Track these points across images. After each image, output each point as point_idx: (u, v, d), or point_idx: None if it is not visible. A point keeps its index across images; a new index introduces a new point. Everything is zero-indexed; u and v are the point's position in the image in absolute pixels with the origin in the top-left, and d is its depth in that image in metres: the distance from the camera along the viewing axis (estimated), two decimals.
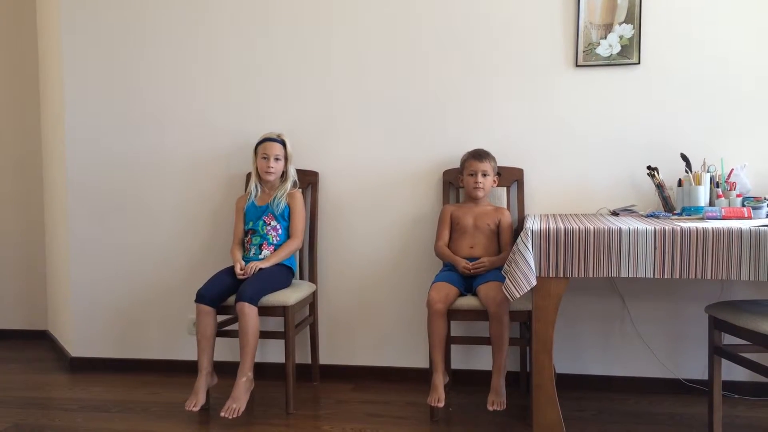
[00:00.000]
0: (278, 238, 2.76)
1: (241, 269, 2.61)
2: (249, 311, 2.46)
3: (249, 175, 2.94)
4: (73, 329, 3.24)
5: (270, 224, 2.76)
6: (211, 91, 3.05)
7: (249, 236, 2.80)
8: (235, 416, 2.39)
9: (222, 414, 2.38)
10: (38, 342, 3.79)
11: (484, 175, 2.66)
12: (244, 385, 2.45)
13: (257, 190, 2.83)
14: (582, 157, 2.80)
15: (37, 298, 3.89)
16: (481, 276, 2.52)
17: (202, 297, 2.53)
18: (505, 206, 2.79)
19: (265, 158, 2.77)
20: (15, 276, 3.90)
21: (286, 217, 2.79)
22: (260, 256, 2.72)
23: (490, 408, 2.38)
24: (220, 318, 2.61)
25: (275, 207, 2.76)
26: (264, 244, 2.74)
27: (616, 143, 2.78)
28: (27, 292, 3.90)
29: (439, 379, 2.43)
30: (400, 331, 2.97)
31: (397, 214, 2.94)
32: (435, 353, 2.44)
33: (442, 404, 2.39)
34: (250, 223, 2.79)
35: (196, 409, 2.45)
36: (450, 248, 2.72)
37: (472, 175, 2.68)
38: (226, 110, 3.05)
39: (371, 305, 2.99)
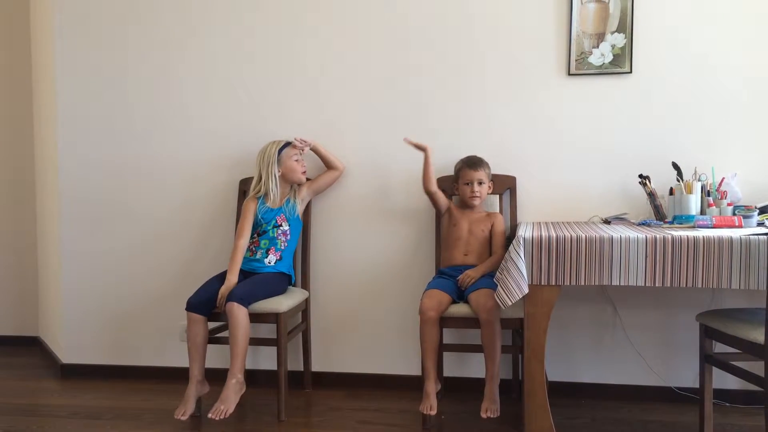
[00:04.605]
0: (286, 244, 2.75)
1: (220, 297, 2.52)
2: (238, 311, 2.44)
3: (242, 182, 2.95)
4: (64, 336, 3.22)
5: (281, 227, 2.74)
6: (203, 97, 3.05)
7: (256, 237, 2.76)
8: (222, 417, 2.35)
9: (210, 415, 2.35)
10: (29, 348, 3.77)
11: (480, 183, 2.67)
12: (233, 387, 2.42)
13: (274, 194, 2.76)
14: (574, 165, 2.81)
15: (29, 305, 3.87)
16: (473, 283, 2.52)
17: (191, 305, 2.52)
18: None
19: (297, 161, 2.79)
20: (6, 282, 3.88)
21: (298, 222, 2.80)
22: (265, 261, 2.71)
23: (483, 415, 2.37)
24: (212, 325, 2.61)
25: (289, 210, 2.76)
26: (272, 249, 2.72)
27: (608, 152, 2.79)
28: (18, 298, 3.88)
29: (432, 387, 2.43)
30: (392, 339, 2.97)
31: (390, 222, 2.95)
32: (427, 360, 2.44)
33: (434, 412, 2.39)
34: (263, 225, 2.75)
35: (185, 417, 2.43)
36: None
37: (467, 184, 2.68)
38: (218, 117, 3.04)
39: (364, 312, 2.99)
